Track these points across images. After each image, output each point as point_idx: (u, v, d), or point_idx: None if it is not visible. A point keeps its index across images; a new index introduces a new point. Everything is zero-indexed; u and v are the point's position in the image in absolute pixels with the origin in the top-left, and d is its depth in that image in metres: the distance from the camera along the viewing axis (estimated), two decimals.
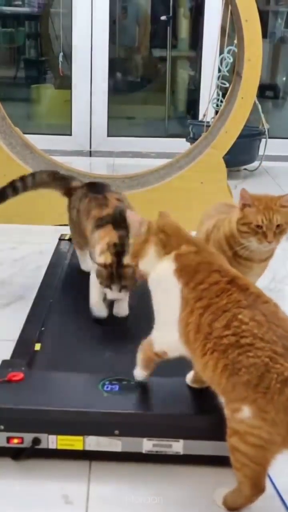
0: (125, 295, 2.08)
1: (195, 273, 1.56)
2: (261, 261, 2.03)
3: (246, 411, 1.42)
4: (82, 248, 2.43)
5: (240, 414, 1.42)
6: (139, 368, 1.68)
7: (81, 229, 2.33)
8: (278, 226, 1.91)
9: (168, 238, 1.64)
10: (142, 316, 1.74)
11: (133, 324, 2.09)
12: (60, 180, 2.54)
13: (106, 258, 2.03)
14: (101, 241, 2.08)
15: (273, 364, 1.41)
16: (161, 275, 1.60)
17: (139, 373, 1.69)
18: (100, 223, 2.16)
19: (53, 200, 3.32)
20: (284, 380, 1.39)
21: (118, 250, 2.03)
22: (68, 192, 2.50)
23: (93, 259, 2.12)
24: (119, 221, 2.11)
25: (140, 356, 1.67)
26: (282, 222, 1.91)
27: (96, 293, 2.13)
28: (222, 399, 1.49)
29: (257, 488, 1.46)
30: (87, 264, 2.35)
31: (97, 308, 2.13)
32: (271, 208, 1.90)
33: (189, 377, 1.70)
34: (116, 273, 2.01)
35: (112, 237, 2.07)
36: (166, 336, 1.60)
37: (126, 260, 2.00)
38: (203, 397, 1.67)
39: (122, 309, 2.14)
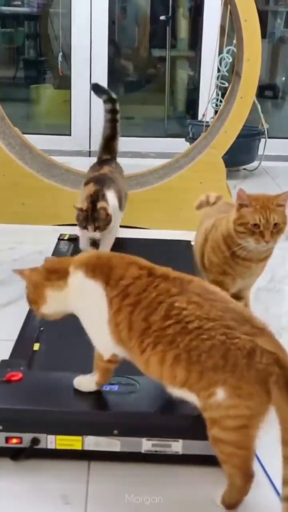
0: (100, 235, 2.63)
1: (110, 270, 1.56)
2: (260, 261, 2.03)
3: (220, 393, 1.42)
4: None
5: (215, 398, 1.42)
6: (97, 379, 1.66)
7: None
8: (275, 225, 1.90)
9: (57, 270, 1.64)
10: None
11: None
12: None
13: (83, 205, 2.60)
14: (83, 194, 2.67)
15: (231, 340, 1.42)
16: (76, 288, 1.60)
17: (93, 385, 1.66)
18: (86, 182, 2.77)
19: (53, 200, 3.34)
20: (248, 353, 1.40)
21: (93, 199, 2.60)
22: None
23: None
24: (99, 180, 2.72)
25: (97, 372, 1.65)
26: (279, 221, 1.90)
27: (82, 241, 2.78)
28: (182, 393, 1.49)
29: (247, 476, 1.46)
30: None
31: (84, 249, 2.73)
32: (268, 207, 1.90)
33: None
34: (91, 216, 2.58)
35: (90, 190, 2.64)
36: (105, 340, 1.59)
37: (100, 205, 2.58)
38: None
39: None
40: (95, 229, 2.60)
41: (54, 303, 1.65)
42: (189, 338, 1.44)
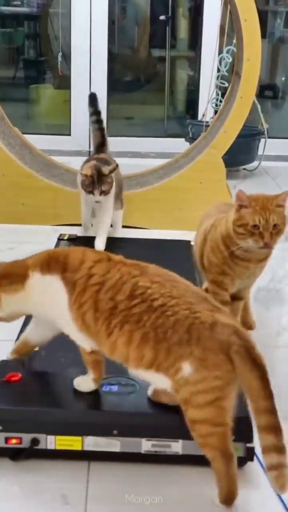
0: (104, 200, 2.82)
1: (66, 258, 1.61)
2: (258, 261, 2.03)
3: (186, 368, 1.45)
4: None
5: (182, 374, 1.46)
6: (92, 375, 1.66)
7: None
8: (274, 226, 1.90)
9: (8, 274, 1.67)
10: None
11: None
12: None
13: (88, 171, 2.78)
14: (85, 165, 2.90)
15: (194, 315, 1.47)
16: (36, 288, 1.64)
17: (91, 384, 1.66)
18: (87, 160, 3.01)
19: (52, 200, 3.34)
20: (211, 326, 1.46)
21: (97, 168, 2.80)
22: None
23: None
24: (100, 160, 2.93)
25: (89, 368, 1.66)
26: (279, 222, 1.90)
27: (84, 214, 3.01)
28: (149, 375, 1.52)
29: (227, 456, 1.47)
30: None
31: (85, 227, 3.03)
32: (268, 208, 1.90)
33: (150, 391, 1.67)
34: (97, 180, 2.76)
35: (93, 163, 2.86)
36: (75, 331, 1.62)
37: (104, 169, 2.79)
38: None
39: (100, 243, 2.86)
40: (101, 193, 2.78)
41: (9, 307, 1.69)
42: (155, 316, 1.49)
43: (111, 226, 3.01)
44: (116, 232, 3.08)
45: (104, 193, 2.80)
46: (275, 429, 1.41)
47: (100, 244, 2.84)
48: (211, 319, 1.47)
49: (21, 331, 2.00)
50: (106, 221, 2.93)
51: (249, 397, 1.44)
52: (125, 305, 1.52)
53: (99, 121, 3.17)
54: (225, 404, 1.45)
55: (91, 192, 2.80)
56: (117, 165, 2.87)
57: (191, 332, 1.46)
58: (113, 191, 2.87)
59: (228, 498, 1.48)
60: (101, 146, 3.17)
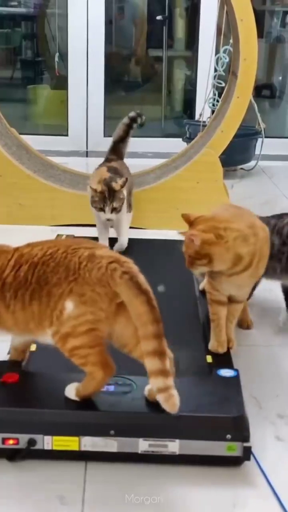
0: (116, 217, 2.71)
1: None
2: (231, 275, 1.88)
3: (68, 305, 1.55)
4: None
5: (65, 312, 1.55)
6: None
7: None
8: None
9: None
10: None
11: None
12: None
13: (98, 187, 2.66)
14: (95, 176, 2.77)
15: (72, 253, 1.58)
16: None
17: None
18: (97, 168, 2.91)
19: (50, 201, 3.34)
20: (88, 257, 1.56)
21: (108, 182, 2.68)
22: None
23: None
24: (111, 169, 2.83)
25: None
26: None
27: (99, 226, 2.86)
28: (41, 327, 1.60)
29: (108, 367, 1.59)
30: None
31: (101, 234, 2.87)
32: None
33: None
34: (108, 196, 2.65)
35: (104, 174, 2.75)
36: None
37: (115, 185, 2.67)
38: (199, 397, 1.67)
39: (121, 244, 2.86)
40: (112, 210, 2.67)
41: None
42: (37, 269, 1.58)
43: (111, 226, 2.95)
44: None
45: (115, 210, 2.70)
46: (161, 353, 1.51)
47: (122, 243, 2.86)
48: (88, 252, 1.57)
49: None
50: (124, 226, 2.89)
51: (137, 324, 1.53)
52: (13, 276, 1.60)
53: (134, 120, 3.14)
54: (99, 333, 1.57)
55: (102, 210, 2.69)
56: (127, 179, 2.76)
57: (69, 268, 1.55)
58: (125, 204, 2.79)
59: (87, 396, 1.62)
60: (120, 142, 3.12)
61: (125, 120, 3.14)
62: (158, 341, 1.51)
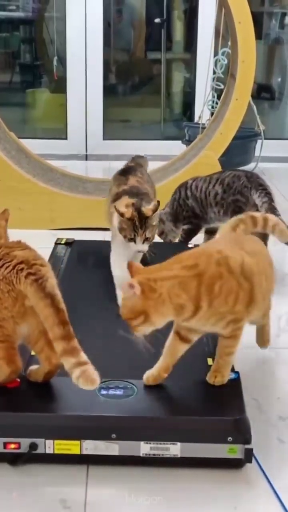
0: (147, 248, 2.22)
1: None
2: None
3: None
4: None
5: None
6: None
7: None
8: None
9: None
10: None
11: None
12: None
13: (128, 213, 2.18)
14: (120, 205, 2.24)
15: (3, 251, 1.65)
16: None
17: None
18: (116, 197, 2.34)
19: (49, 204, 3.34)
20: (2, 256, 1.64)
21: (137, 207, 2.20)
22: None
23: (112, 224, 2.30)
24: (134, 194, 2.30)
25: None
26: None
27: (119, 266, 2.26)
28: None
29: (14, 364, 1.66)
30: None
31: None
32: None
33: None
34: (139, 224, 2.17)
35: (129, 201, 2.24)
36: None
37: (146, 211, 2.19)
38: (200, 400, 1.67)
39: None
40: (144, 240, 2.21)
41: None
42: None
43: None
44: None
45: (147, 240, 2.22)
46: (72, 351, 1.54)
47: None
48: (6, 251, 1.65)
49: None
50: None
51: (46, 326, 1.57)
52: None
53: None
54: (6, 332, 1.63)
55: (132, 240, 2.21)
56: (158, 202, 2.27)
57: None
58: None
59: None
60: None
61: None
62: (67, 342, 1.55)
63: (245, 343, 2.17)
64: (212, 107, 4.30)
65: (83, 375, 1.51)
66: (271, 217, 2.02)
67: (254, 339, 2.07)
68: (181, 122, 5.35)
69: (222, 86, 3.96)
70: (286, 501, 1.51)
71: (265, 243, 2.66)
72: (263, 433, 1.74)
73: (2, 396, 1.67)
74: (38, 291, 1.57)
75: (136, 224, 2.18)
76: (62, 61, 5.32)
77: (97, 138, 5.20)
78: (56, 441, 1.59)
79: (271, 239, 2.77)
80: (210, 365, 1.81)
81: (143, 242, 2.20)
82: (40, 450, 1.59)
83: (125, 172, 2.55)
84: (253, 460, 1.60)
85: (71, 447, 1.60)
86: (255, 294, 1.68)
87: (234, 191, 2.73)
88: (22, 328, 1.65)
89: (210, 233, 2.95)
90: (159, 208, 2.27)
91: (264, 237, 2.67)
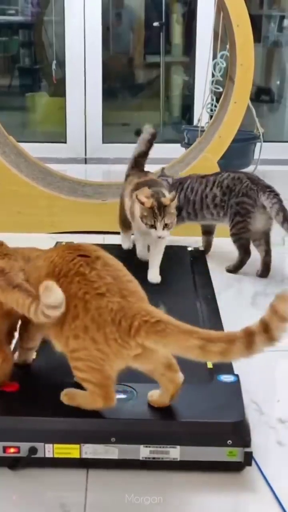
0: (167, 233, 2.49)
1: None
2: None
3: None
4: (126, 229, 2.89)
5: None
6: None
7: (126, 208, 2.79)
8: None
9: None
10: None
11: None
12: None
13: (149, 202, 2.46)
14: (141, 194, 2.52)
15: None
16: None
17: None
18: (137, 187, 2.65)
19: (49, 208, 3.34)
20: None
21: (157, 197, 2.48)
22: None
23: (134, 216, 2.61)
24: (153, 185, 2.63)
25: None
26: None
27: (140, 246, 2.75)
28: None
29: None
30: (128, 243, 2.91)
31: (141, 255, 2.74)
32: None
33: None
34: (159, 212, 2.44)
35: (149, 191, 2.54)
36: None
37: (165, 200, 2.47)
38: (199, 403, 1.67)
39: (154, 275, 2.57)
40: (164, 226, 2.47)
41: None
42: None
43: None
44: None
45: (167, 226, 2.48)
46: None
47: (153, 276, 2.57)
48: None
49: (17, 339, 2.01)
50: (162, 250, 2.63)
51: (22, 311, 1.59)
52: None
53: (154, 135, 2.93)
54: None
55: (153, 227, 2.48)
56: (176, 193, 2.58)
57: None
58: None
59: None
60: (141, 156, 2.93)
61: (146, 137, 2.92)
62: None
63: None
64: (211, 110, 4.30)
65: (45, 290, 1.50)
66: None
67: None
68: (180, 125, 5.35)
69: (220, 89, 3.96)
70: (286, 504, 1.51)
71: (267, 242, 2.70)
72: (263, 436, 1.74)
73: (1, 400, 1.67)
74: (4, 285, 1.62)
75: (155, 212, 2.45)
76: (61, 64, 5.33)
77: (97, 142, 5.20)
78: (56, 445, 1.59)
79: (272, 240, 2.79)
80: (210, 368, 1.82)
81: (163, 229, 2.46)
82: (39, 454, 1.59)
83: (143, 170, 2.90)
84: (253, 463, 1.59)
85: (70, 451, 1.60)
86: None
87: (237, 193, 2.76)
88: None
89: (208, 233, 2.99)
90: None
91: (266, 236, 2.70)
